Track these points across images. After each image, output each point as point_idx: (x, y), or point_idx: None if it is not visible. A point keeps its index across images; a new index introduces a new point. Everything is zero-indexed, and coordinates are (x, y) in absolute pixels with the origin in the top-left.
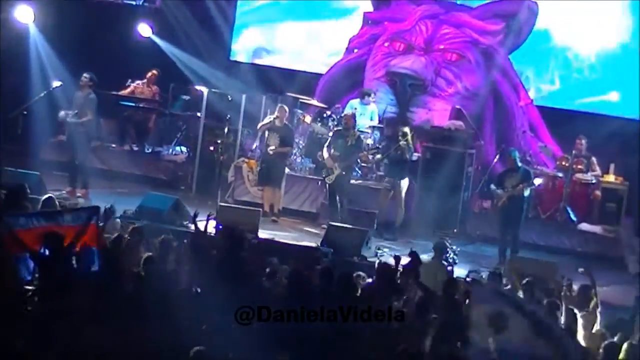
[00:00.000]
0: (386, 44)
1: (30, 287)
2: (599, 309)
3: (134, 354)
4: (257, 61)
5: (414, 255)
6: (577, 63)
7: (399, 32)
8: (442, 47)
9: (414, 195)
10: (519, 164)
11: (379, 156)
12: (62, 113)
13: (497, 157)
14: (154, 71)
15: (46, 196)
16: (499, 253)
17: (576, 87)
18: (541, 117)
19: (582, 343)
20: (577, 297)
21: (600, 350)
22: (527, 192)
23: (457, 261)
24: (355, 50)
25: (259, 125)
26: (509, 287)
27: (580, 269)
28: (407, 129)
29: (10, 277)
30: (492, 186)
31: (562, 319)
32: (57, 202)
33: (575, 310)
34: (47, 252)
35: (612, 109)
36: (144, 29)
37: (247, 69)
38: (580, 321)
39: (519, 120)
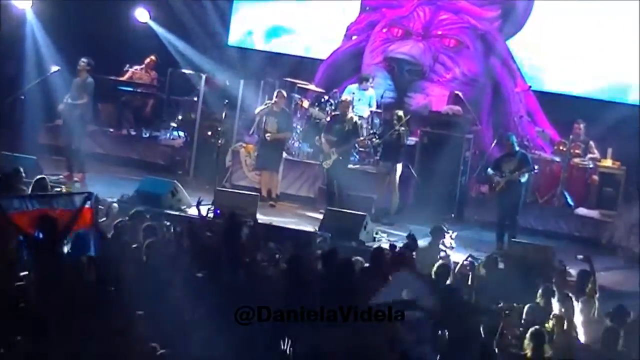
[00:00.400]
0: (384, 30)
1: (24, 273)
2: (597, 295)
3: (138, 339)
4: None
5: (411, 238)
6: (580, 47)
7: (397, 18)
8: (440, 32)
9: (411, 180)
10: (517, 149)
11: (376, 140)
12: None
13: (495, 141)
14: (152, 57)
15: (39, 177)
16: (496, 238)
17: (579, 71)
18: (539, 103)
19: (581, 329)
20: (575, 283)
21: (601, 335)
22: (524, 178)
23: (454, 246)
24: (354, 37)
25: (257, 110)
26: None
27: (580, 256)
28: (401, 113)
29: (5, 261)
30: (490, 170)
31: (558, 305)
32: (48, 183)
33: (572, 296)
34: (41, 236)
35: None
36: (142, 14)
37: (245, 55)
38: (578, 307)
39: (515, 107)
